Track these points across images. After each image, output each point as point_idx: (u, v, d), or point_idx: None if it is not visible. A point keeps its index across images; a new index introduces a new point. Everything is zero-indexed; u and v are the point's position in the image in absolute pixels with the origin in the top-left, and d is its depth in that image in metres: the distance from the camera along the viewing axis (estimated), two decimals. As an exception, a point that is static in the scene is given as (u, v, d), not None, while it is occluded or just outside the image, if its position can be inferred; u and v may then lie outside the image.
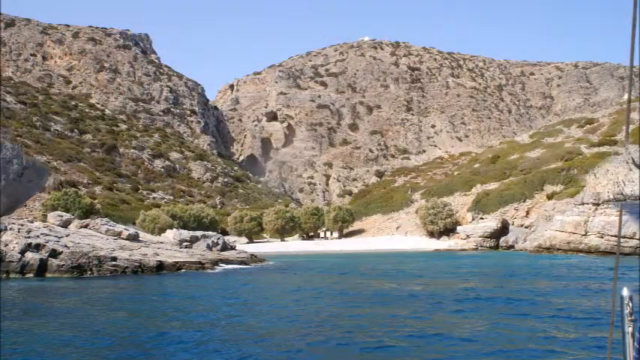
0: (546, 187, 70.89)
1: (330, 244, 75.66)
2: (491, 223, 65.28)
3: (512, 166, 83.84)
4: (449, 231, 70.71)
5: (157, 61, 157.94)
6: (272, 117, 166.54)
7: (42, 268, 30.36)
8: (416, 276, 31.57)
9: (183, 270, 35.20)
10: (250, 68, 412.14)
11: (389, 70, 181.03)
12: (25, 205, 64.36)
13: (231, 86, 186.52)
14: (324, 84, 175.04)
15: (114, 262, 32.93)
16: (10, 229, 31.83)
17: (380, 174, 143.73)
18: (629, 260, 38.47)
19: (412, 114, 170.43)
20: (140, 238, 40.27)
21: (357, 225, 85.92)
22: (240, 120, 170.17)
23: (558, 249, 49.96)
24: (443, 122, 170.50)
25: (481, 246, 62.78)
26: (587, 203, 50.68)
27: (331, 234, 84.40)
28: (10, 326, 15.57)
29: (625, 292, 2.69)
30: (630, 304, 2.68)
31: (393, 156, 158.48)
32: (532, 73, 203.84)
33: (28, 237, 31.62)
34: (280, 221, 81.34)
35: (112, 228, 39.46)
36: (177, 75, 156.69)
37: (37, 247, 31.20)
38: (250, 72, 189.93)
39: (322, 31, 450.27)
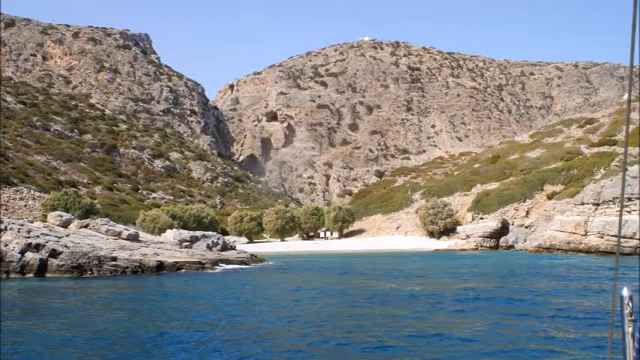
0: (546, 187, 70.90)
1: (330, 244, 75.64)
2: (491, 223, 65.28)
3: (512, 166, 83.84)
4: (449, 231, 70.71)
5: (157, 61, 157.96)
6: (272, 117, 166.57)
7: (42, 268, 30.35)
8: (416, 276, 31.57)
9: (183, 270, 35.20)
10: (250, 68, 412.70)
11: (389, 70, 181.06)
12: (25, 205, 64.39)
13: (231, 86, 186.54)
14: (324, 84, 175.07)
15: (114, 262, 32.93)
16: (10, 229, 31.83)
17: (380, 174, 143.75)
18: (629, 260, 38.47)
19: (412, 114, 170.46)
20: (140, 238, 40.27)
21: (357, 225, 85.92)
22: (240, 120, 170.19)
23: (558, 249, 49.96)
24: (443, 122, 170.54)
25: (481, 246, 62.78)
26: (587, 203, 50.68)
27: (331, 234, 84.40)
28: (10, 326, 15.57)
29: (625, 292, 2.69)
30: (630, 304, 2.68)
31: (393, 156, 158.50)
32: (532, 73, 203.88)
33: (28, 237, 31.62)
34: (280, 221, 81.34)
35: (112, 228, 39.46)
36: (177, 75, 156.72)
37: (37, 247, 31.20)
38: (250, 72, 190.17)
39: (322, 31, 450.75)
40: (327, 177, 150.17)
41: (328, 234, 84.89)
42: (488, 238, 63.46)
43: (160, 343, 13.17)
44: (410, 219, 79.63)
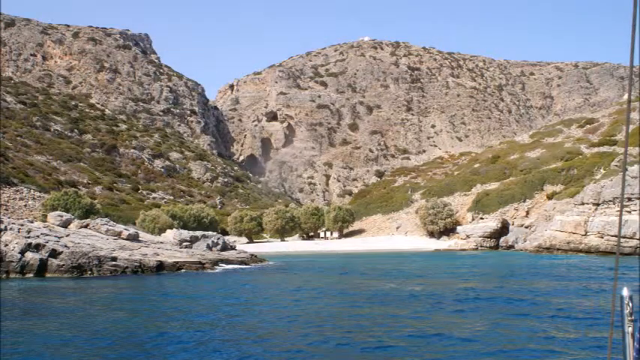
0: (546, 187, 70.89)
1: (330, 244, 75.65)
2: (491, 223, 65.28)
3: (512, 166, 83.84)
4: (449, 231, 70.70)
5: (157, 61, 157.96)
6: (272, 117, 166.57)
7: (42, 268, 30.35)
8: (416, 276, 31.57)
9: (183, 270, 35.20)
10: (250, 68, 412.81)
11: (389, 70, 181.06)
12: (25, 205, 64.39)
13: (231, 86, 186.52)
14: (324, 84, 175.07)
15: (114, 262, 32.93)
16: (10, 229, 31.83)
17: (380, 174, 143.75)
18: (629, 260, 38.46)
19: (412, 114, 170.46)
20: (140, 238, 40.27)
21: (357, 225, 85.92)
22: (240, 120, 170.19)
23: (558, 249, 49.95)
24: (443, 122, 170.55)
25: (481, 246, 62.78)
26: (587, 203, 50.68)
27: (331, 234, 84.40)
28: (10, 326, 15.57)
29: (625, 292, 2.69)
30: (630, 304, 2.68)
31: (393, 156, 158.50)
32: (532, 73, 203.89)
33: (28, 237, 31.61)
34: (280, 221, 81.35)
35: (112, 228, 39.46)
36: (177, 75, 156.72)
37: (37, 247, 31.19)
38: (250, 72, 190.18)
39: (322, 31, 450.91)
40: (327, 177, 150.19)
41: (328, 234, 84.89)
42: (488, 238, 63.46)
43: (160, 343, 13.17)
44: (410, 219, 79.63)
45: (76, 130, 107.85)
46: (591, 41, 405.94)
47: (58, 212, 42.59)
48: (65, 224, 38.22)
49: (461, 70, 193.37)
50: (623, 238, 43.90)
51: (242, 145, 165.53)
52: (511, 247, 60.31)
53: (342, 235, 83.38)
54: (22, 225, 33.43)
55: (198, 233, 46.30)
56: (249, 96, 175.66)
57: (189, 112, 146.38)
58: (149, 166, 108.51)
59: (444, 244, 66.90)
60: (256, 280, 31.45)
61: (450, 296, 21.31)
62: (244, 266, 40.77)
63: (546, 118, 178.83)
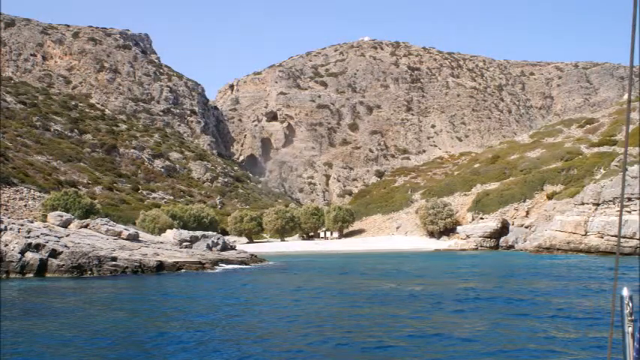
0: (546, 187, 70.89)
1: (330, 244, 75.65)
2: (491, 223, 65.28)
3: (512, 166, 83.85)
4: (449, 231, 70.70)
5: (157, 61, 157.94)
6: (272, 117, 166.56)
7: (42, 268, 30.35)
8: (416, 276, 31.57)
9: (183, 270, 35.21)
10: (250, 68, 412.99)
11: (389, 70, 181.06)
12: (25, 205, 64.39)
13: (231, 86, 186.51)
14: (324, 84, 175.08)
15: (114, 262, 32.93)
16: (10, 229, 31.82)
17: (380, 174, 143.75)
18: (629, 260, 38.46)
19: (412, 114, 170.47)
20: (140, 238, 40.27)
21: (357, 225, 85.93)
22: (240, 120, 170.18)
23: (558, 249, 49.95)
24: (443, 122, 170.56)
25: (481, 246, 62.78)
26: (587, 203, 50.68)
27: (331, 234, 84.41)
28: (10, 326, 15.57)
29: (625, 292, 2.69)
30: (630, 304, 2.68)
31: (393, 156, 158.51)
32: (532, 73, 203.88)
33: (28, 237, 31.61)
34: (280, 221, 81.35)
35: (112, 228, 39.46)
36: (177, 75, 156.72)
37: (37, 247, 31.19)
38: (250, 72, 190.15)
39: (322, 31, 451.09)
40: (327, 177, 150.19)
41: (328, 234, 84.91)
42: (488, 238, 63.46)
43: (160, 343, 13.17)
44: (410, 219, 79.63)
45: (76, 130, 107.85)
46: (591, 41, 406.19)
47: (58, 212, 42.60)
48: (65, 224, 38.22)
49: (461, 70, 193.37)
50: (623, 238, 43.89)
51: (242, 145, 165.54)
52: (511, 247, 60.31)
53: (342, 235, 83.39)
54: (22, 225, 33.43)
55: (198, 233, 46.31)
56: (249, 96, 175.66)
57: (189, 112, 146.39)
58: (149, 166, 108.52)
59: (444, 244, 66.90)
60: (256, 280, 31.45)
61: (450, 296, 21.31)
62: (244, 266, 40.78)
63: (546, 118, 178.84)
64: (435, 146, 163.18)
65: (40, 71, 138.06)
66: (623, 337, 2.70)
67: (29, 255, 30.44)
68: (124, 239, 38.27)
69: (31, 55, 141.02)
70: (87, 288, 26.29)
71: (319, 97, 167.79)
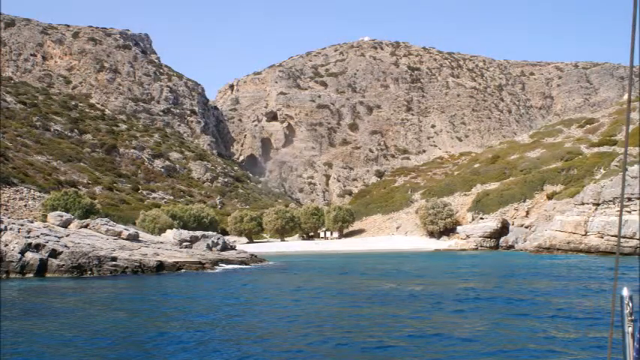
0: (546, 187, 70.89)
1: (330, 244, 75.64)
2: (491, 223, 65.26)
3: (512, 166, 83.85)
4: (449, 231, 70.69)
5: (157, 61, 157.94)
6: (272, 117, 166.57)
7: (42, 268, 30.34)
8: (416, 276, 31.57)
9: (183, 270, 35.20)
10: (250, 68, 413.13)
11: (389, 70, 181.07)
12: (25, 205, 64.39)
13: (231, 86, 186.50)
14: (324, 84, 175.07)
15: (114, 262, 32.93)
16: (10, 229, 31.82)
17: (380, 174, 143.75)
18: (629, 260, 38.46)
19: (412, 114, 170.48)
20: (140, 238, 40.27)
21: (357, 225, 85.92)
22: (240, 120, 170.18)
23: (558, 249, 49.94)
24: (443, 122, 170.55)
25: (481, 246, 62.77)
26: (587, 203, 50.67)
27: (331, 234, 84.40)
28: (10, 326, 15.56)
29: (625, 292, 2.69)
30: (630, 304, 2.68)
31: (393, 156, 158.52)
32: (532, 73, 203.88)
33: (28, 237, 31.61)
34: (280, 221, 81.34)
35: (112, 228, 39.46)
36: (177, 75, 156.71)
37: (37, 247, 31.19)
38: (250, 72, 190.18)
39: (322, 31, 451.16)
40: (327, 177, 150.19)
41: (328, 234, 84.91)
42: (488, 238, 63.45)
43: (160, 343, 13.17)
44: (410, 219, 79.63)
45: (76, 130, 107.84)
46: (591, 41, 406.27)
47: (58, 212, 42.60)
48: (65, 224, 38.22)
49: (461, 70, 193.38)
50: (623, 238, 43.89)
51: (242, 145, 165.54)
52: (511, 247, 60.30)
53: (342, 235, 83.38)
54: (22, 225, 33.43)
55: (198, 233, 46.31)
56: (249, 96, 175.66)
57: (189, 112, 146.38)
58: (149, 166, 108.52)
59: (444, 244, 66.89)
60: (256, 280, 31.45)
61: (450, 296, 21.30)
62: (244, 266, 40.77)
63: (546, 118, 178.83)
64: (435, 146, 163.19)
65: (40, 71, 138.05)
66: (623, 337, 2.70)
67: (29, 255, 30.44)
68: (124, 239, 38.27)
69: (31, 55, 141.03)
70: (87, 288, 26.29)
71: (319, 97, 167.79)
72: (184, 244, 42.47)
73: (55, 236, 33.70)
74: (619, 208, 47.11)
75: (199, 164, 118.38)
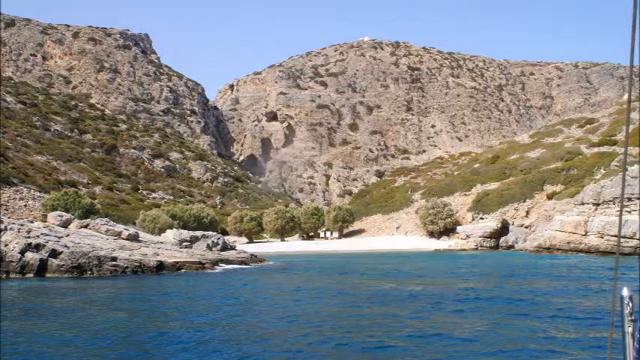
0: (546, 187, 70.89)
1: (330, 244, 75.64)
2: (491, 223, 65.26)
3: (512, 166, 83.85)
4: (449, 231, 70.69)
5: (157, 61, 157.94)
6: (272, 117, 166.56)
7: (42, 268, 30.34)
8: (416, 276, 31.57)
9: (183, 270, 35.20)
10: (250, 68, 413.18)
11: (389, 70, 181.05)
12: (25, 205, 64.38)
13: (231, 86, 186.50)
14: (324, 84, 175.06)
15: (114, 262, 32.93)
16: (10, 229, 31.82)
17: (380, 174, 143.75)
18: (629, 260, 38.46)
19: (412, 114, 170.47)
20: (140, 238, 40.27)
21: (357, 225, 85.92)
22: (240, 120, 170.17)
23: (558, 249, 49.94)
24: (443, 122, 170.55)
25: (481, 246, 62.77)
26: (587, 203, 50.67)
27: (331, 234, 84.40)
28: (10, 326, 15.56)
29: (625, 292, 2.69)
30: (630, 304, 2.68)
31: (393, 156, 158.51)
32: (532, 73, 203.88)
33: (28, 237, 31.61)
34: (280, 221, 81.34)
35: (112, 228, 39.46)
36: (177, 75, 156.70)
37: (37, 247, 31.19)
38: (250, 72, 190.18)
39: (322, 31, 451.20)
40: (327, 177, 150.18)
41: (328, 234, 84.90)
42: (488, 238, 63.44)
43: (160, 343, 13.17)
44: (410, 219, 79.62)
45: (76, 130, 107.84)
46: (591, 41, 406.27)
47: (58, 212, 42.59)
48: (65, 224, 38.22)
49: (461, 70, 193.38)
50: (623, 238, 43.89)
51: (242, 145, 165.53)
52: (511, 247, 60.30)
53: (342, 235, 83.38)
54: (22, 225, 33.43)
55: (198, 233, 46.30)
56: (249, 96, 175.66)
57: (189, 112, 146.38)
58: (149, 166, 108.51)
59: (444, 244, 66.89)
60: (256, 280, 31.45)
61: (450, 296, 21.30)
62: (244, 266, 40.77)
63: (546, 118, 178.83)
64: (435, 146, 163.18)
65: (40, 71, 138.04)
66: (623, 337, 2.70)
67: (29, 255, 30.44)
68: (124, 239, 38.27)
69: (31, 55, 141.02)
70: (87, 288, 26.29)
71: (319, 97, 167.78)
72: (184, 244, 42.47)
73: (55, 236, 33.70)
74: (619, 208, 47.11)
75: (199, 164, 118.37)
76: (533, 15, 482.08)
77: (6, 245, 30.40)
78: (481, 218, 69.49)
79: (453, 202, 76.42)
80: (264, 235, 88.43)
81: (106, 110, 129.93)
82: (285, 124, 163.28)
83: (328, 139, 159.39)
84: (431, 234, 72.78)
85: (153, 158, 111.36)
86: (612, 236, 46.57)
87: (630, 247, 43.36)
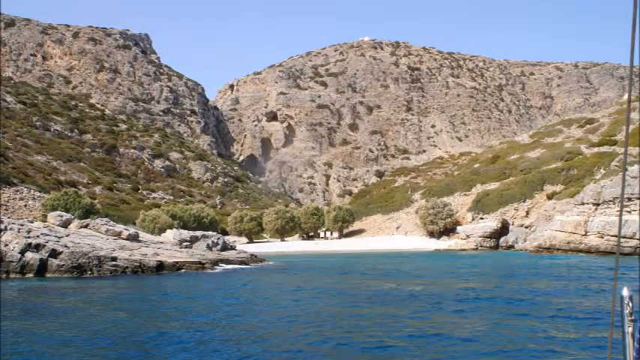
0: (546, 187, 70.88)
1: (330, 244, 75.64)
2: (491, 223, 65.26)
3: (512, 166, 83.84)
4: (449, 231, 70.68)
5: (157, 61, 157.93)
6: (272, 117, 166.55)
7: (42, 268, 30.34)
8: (416, 276, 31.57)
9: (183, 270, 35.20)
10: (250, 68, 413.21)
11: (389, 70, 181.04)
12: (25, 205, 64.38)
13: (231, 86, 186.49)
14: (324, 84, 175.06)
15: (114, 262, 32.93)
16: (10, 229, 31.82)
17: (380, 174, 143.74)
18: (629, 260, 38.46)
19: (412, 114, 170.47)
20: (140, 238, 40.27)
21: (357, 225, 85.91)
22: (240, 120, 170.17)
23: (558, 249, 49.94)
24: (443, 122, 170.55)
25: (481, 246, 62.77)
26: (587, 203, 50.67)
27: (331, 234, 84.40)
28: (10, 326, 15.56)
29: (625, 292, 2.69)
30: (630, 304, 2.68)
31: (393, 156, 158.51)
32: (532, 73, 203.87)
33: (28, 237, 31.61)
34: (280, 221, 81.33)
35: (112, 228, 39.46)
36: (177, 75, 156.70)
37: (37, 247, 31.19)
38: (250, 72, 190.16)
39: (322, 31, 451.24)
40: (327, 177, 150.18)
41: (328, 234, 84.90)
42: (488, 238, 63.44)
43: (160, 343, 13.17)
44: (410, 219, 79.62)
45: (76, 130, 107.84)
46: (591, 41, 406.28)
47: (58, 212, 42.59)
48: (65, 224, 38.22)
49: (461, 70, 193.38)
50: (623, 238, 43.89)
51: (242, 145, 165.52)
52: (511, 247, 60.30)
53: (342, 235, 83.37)
54: (22, 225, 33.42)
55: (198, 233, 46.30)
56: (249, 96, 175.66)
57: (189, 112, 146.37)
58: (149, 166, 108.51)
59: (444, 244, 66.89)
60: (256, 280, 31.44)
61: (450, 296, 21.30)
62: (244, 266, 40.77)
63: (546, 118, 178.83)
64: (435, 146, 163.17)
65: (40, 71, 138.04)
66: (623, 337, 2.70)
67: (29, 255, 30.44)
68: (124, 239, 38.26)
69: (31, 55, 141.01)
70: (87, 288, 26.29)
71: (319, 97, 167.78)
72: (184, 244, 42.47)
73: (55, 236, 33.70)
74: (619, 208, 47.11)
75: (199, 164, 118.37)
76: (533, 15, 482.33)
77: (6, 245, 30.40)
78: (481, 218, 69.49)
79: (453, 202, 76.42)
80: (264, 235, 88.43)
81: (106, 110, 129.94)
82: (285, 124, 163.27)
83: (328, 139, 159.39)
84: (431, 234, 72.78)
85: (153, 158, 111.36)
86: (612, 236, 46.57)
87: (630, 247, 43.36)
